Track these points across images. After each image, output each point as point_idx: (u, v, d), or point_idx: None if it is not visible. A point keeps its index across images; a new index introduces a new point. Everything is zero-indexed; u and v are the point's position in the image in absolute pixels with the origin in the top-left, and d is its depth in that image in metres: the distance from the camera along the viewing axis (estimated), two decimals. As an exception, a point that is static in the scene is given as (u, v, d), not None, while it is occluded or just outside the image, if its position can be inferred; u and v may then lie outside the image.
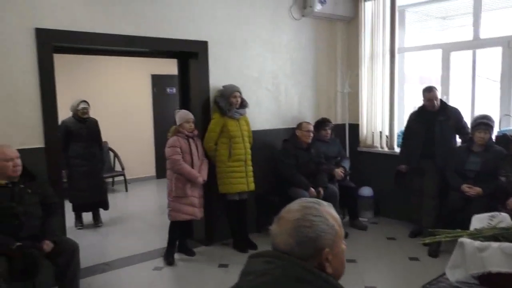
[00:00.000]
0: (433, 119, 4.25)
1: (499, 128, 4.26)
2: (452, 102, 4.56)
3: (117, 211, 5.85)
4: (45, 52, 3.34)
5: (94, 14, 3.56)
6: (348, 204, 4.99)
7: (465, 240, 1.96)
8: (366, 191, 5.22)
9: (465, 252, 1.92)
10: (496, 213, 2.20)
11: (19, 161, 2.93)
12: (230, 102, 4.10)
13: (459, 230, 2.13)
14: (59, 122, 3.89)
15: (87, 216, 5.29)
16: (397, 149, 4.96)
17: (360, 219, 5.03)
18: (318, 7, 4.86)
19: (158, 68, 7.81)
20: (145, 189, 7.53)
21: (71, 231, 4.63)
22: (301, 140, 4.51)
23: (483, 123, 3.87)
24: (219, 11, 4.33)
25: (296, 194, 4.01)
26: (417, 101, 4.54)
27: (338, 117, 5.58)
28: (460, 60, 4.76)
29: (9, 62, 3.20)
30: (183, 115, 3.99)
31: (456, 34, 4.82)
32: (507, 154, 3.81)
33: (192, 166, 3.93)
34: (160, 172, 7.71)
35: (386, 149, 5.16)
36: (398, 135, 5.04)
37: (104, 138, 5.49)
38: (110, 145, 7.25)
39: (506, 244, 1.85)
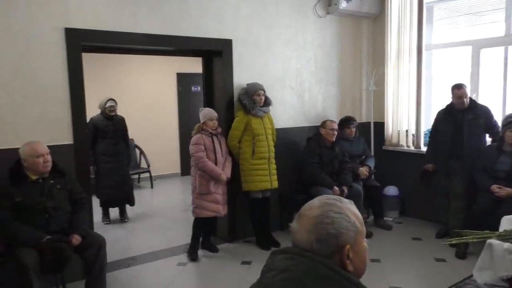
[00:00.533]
0: (462, 117, 4.15)
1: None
2: (481, 101, 4.43)
3: (143, 207, 5.95)
4: (74, 51, 3.43)
5: (121, 14, 3.62)
6: (372, 204, 4.94)
7: (494, 241, 1.91)
8: (391, 190, 5.14)
9: (494, 254, 1.87)
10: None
11: (49, 157, 3.01)
12: (254, 100, 4.11)
13: (488, 232, 2.08)
14: (87, 119, 3.99)
15: (114, 212, 5.41)
16: (423, 148, 4.86)
17: (385, 218, 4.96)
18: (343, 4, 4.81)
19: (183, 66, 7.90)
20: (170, 186, 7.64)
21: (98, 226, 4.75)
22: (325, 139, 4.48)
23: (515, 121, 3.76)
24: (244, 9, 4.34)
25: (320, 193, 3.99)
26: (445, 99, 4.43)
27: (363, 115, 5.51)
28: (491, 57, 4.62)
29: (40, 61, 3.30)
30: (206, 113, 4.02)
31: (486, 31, 4.68)
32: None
33: (216, 164, 3.96)
34: (185, 169, 7.81)
35: (412, 148, 5.06)
36: (425, 134, 4.94)
37: (130, 136, 5.59)
38: (136, 142, 7.39)
39: (537, 247, 1.80)
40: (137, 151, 7.48)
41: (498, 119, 4.24)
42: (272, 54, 4.60)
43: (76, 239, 2.97)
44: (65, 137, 3.45)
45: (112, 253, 3.73)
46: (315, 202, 1.22)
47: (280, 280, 1.12)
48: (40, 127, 3.33)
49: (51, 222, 2.95)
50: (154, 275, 3.71)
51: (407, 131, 5.08)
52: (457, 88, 4.13)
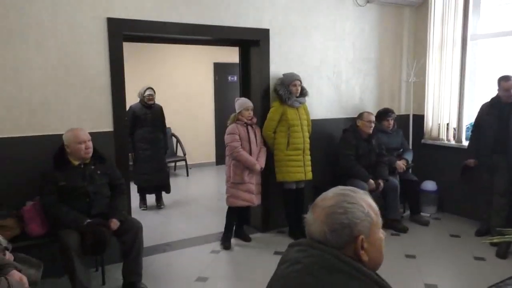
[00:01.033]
0: (508, 111, 3.96)
1: None
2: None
3: (178, 195, 6.08)
4: (115, 41, 3.52)
5: (160, 3, 3.68)
6: (409, 198, 4.83)
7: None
8: (429, 185, 5.00)
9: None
10: None
11: (90, 144, 3.12)
12: (290, 90, 4.09)
13: (533, 231, 1.99)
14: (127, 107, 4.09)
15: (151, 198, 5.56)
16: (465, 143, 4.69)
17: (422, 214, 4.84)
18: (384, -8, 4.68)
19: (220, 56, 7.94)
20: (205, 174, 7.75)
21: (136, 211, 4.89)
22: (362, 131, 4.40)
23: None
24: (281, -2, 4.30)
25: (355, 186, 3.92)
26: (490, 92, 4.24)
27: (402, 108, 5.37)
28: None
29: (83, 50, 3.41)
30: (242, 103, 4.04)
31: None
32: None
33: (250, 154, 3.98)
34: (220, 158, 7.89)
35: (453, 142, 4.89)
36: (467, 128, 4.76)
37: (167, 124, 5.70)
38: (173, 130, 7.53)
39: None
40: (174, 140, 7.62)
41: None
42: (310, 44, 4.54)
43: (114, 223, 3.08)
44: (106, 125, 3.56)
45: (148, 238, 3.84)
46: (329, 193, 1.22)
47: (291, 272, 1.13)
48: (82, 115, 3.45)
49: (91, 206, 3.07)
50: (188, 262, 3.79)
51: (448, 124, 4.92)
52: (505, 80, 3.94)
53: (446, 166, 4.92)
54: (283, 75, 4.21)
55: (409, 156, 4.84)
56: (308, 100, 4.31)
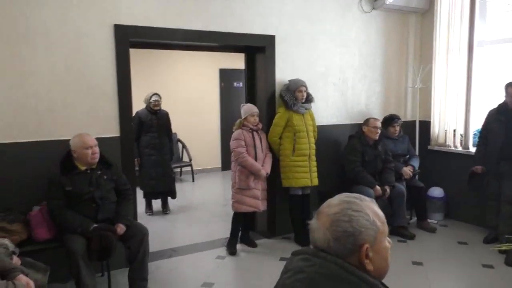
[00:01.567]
0: (515, 117, 3.94)
1: None
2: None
3: (184, 200, 6.09)
4: (122, 47, 3.55)
5: (167, 10, 3.71)
6: (416, 205, 4.80)
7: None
8: (436, 191, 4.96)
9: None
10: None
11: (97, 149, 3.14)
12: (296, 96, 4.09)
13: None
14: (133, 113, 4.11)
15: (157, 204, 5.57)
16: (472, 149, 4.66)
17: (429, 220, 4.80)
18: (390, -1, 4.68)
19: (226, 62, 7.98)
20: (211, 180, 7.76)
21: (142, 216, 4.91)
22: (368, 137, 4.39)
23: None
24: (287, 5, 4.32)
25: (361, 192, 3.90)
26: (497, 98, 4.22)
27: (408, 114, 5.36)
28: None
29: (90, 57, 3.44)
30: (248, 109, 4.05)
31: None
32: None
33: (256, 159, 3.99)
34: (225, 164, 7.91)
35: (460, 148, 4.86)
36: (474, 134, 4.73)
37: (173, 130, 5.72)
38: (179, 136, 7.56)
39: None
40: (180, 145, 7.65)
41: (556, 120, 3.99)
42: (315, 50, 4.55)
43: (121, 228, 3.09)
44: (112, 130, 3.58)
45: (154, 244, 3.84)
46: (335, 200, 1.20)
47: (294, 281, 1.12)
48: (89, 120, 3.47)
49: (98, 211, 3.07)
50: (193, 267, 3.79)
51: (455, 130, 4.89)
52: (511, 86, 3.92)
53: (453, 172, 4.88)
54: (289, 81, 4.22)
55: (416, 163, 4.81)
56: (313, 106, 4.31)
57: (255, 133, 4.05)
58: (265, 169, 4.03)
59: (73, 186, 3.01)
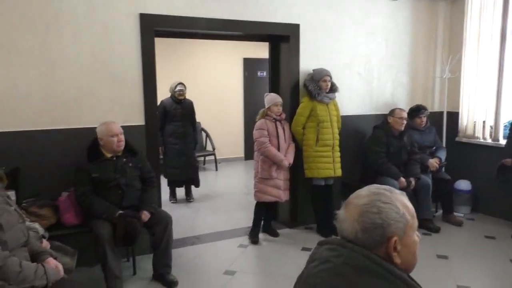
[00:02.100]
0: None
1: None
2: None
3: (207, 189, 6.15)
4: (147, 36, 3.58)
5: (192, -1, 3.71)
6: (442, 197, 4.70)
7: None
8: (463, 184, 4.85)
9: None
10: None
11: (122, 137, 3.19)
12: (320, 86, 4.05)
13: None
14: (158, 102, 4.16)
15: (180, 192, 5.64)
16: (502, 141, 4.52)
17: (455, 214, 4.70)
18: (419, -15, 4.55)
19: (250, 52, 7.96)
20: (234, 169, 7.80)
21: (166, 204, 4.97)
22: (393, 128, 4.31)
23: None
24: (313, -7, 4.26)
25: (385, 184, 3.86)
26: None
27: (435, 104, 5.22)
28: None
29: (116, 46, 3.48)
30: (271, 98, 4.03)
31: None
32: None
33: (279, 149, 3.98)
34: (248, 153, 7.93)
35: (489, 140, 4.73)
36: (505, 126, 4.59)
37: (197, 119, 5.76)
38: (203, 125, 7.61)
39: None
40: (203, 134, 7.70)
41: None
42: (340, 39, 4.48)
43: (145, 215, 3.15)
44: (138, 119, 3.63)
45: (177, 231, 3.90)
46: (364, 190, 1.18)
47: (320, 271, 1.11)
48: (115, 109, 3.53)
49: (123, 198, 3.14)
50: (216, 255, 3.83)
51: (484, 122, 4.75)
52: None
53: (481, 165, 4.76)
54: (313, 70, 4.17)
55: (442, 155, 4.71)
56: (338, 96, 4.26)
57: (278, 123, 4.03)
58: (288, 159, 4.01)
59: (99, 173, 3.08)
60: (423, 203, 4.36)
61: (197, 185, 5.63)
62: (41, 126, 3.30)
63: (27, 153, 3.25)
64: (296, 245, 4.01)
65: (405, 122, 4.31)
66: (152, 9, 3.55)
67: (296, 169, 4.20)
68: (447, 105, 5.05)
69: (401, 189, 4.02)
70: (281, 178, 4.04)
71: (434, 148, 4.74)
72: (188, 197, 5.62)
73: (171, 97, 5.37)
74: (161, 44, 5.00)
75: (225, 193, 6.02)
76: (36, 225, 2.62)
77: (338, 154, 4.19)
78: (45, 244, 2.45)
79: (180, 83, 5.37)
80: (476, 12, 4.69)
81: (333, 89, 4.16)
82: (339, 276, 1.07)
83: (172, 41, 6.29)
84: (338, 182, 4.34)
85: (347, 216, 1.15)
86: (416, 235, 1.16)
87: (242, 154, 8.47)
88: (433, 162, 4.54)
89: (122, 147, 3.20)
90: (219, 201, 5.65)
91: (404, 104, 4.84)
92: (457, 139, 5.02)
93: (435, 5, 5.05)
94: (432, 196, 4.48)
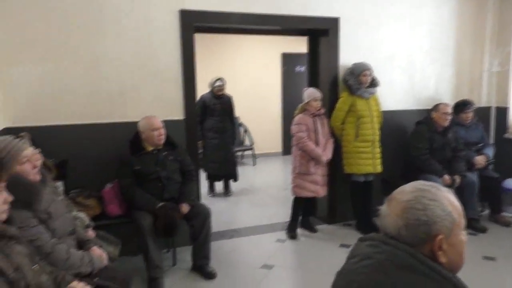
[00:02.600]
0: None
1: None
2: None
3: (245, 183, 6.19)
4: (187, 32, 3.63)
5: (231, -6, 3.73)
6: (489, 196, 4.49)
7: None
8: (513, 183, 4.62)
9: None
10: None
11: (163, 131, 3.27)
12: (360, 80, 3.97)
13: None
14: (198, 97, 4.23)
15: (219, 186, 5.72)
16: (556, 138, 4.27)
17: (504, 214, 4.49)
18: (466, -25, 4.35)
19: (288, 46, 7.92)
20: (271, 164, 7.81)
21: (204, 197, 5.06)
22: (437, 123, 4.17)
23: None
24: (353, -15, 4.17)
25: (428, 181, 3.74)
26: None
27: (483, 99, 4.99)
28: None
29: (157, 42, 3.57)
30: (310, 93, 3.99)
31: None
32: None
33: (317, 144, 3.94)
34: (286, 148, 7.90)
35: (541, 137, 4.48)
36: (559, 122, 4.33)
37: (236, 114, 5.80)
38: (241, 120, 7.66)
39: None
40: (242, 129, 7.75)
41: None
42: (382, 33, 4.37)
43: (185, 207, 3.21)
44: (178, 113, 3.71)
45: (216, 224, 3.95)
46: (408, 186, 1.15)
47: (361, 267, 1.09)
48: (156, 104, 3.62)
49: (164, 191, 3.22)
50: (254, 249, 3.86)
51: (536, 117, 4.51)
52: None
53: (532, 163, 4.52)
54: (353, 64, 4.09)
55: (490, 152, 4.50)
56: (379, 90, 4.16)
57: (317, 118, 3.99)
58: (326, 154, 3.97)
59: (141, 166, 3.17)
60: (468, 201, 4.18)
61: (235, 180, 5.68)
62: (87, 120, 3.44)
63: (74, 145, 3.40)
64: (334, 241, 3.97)
65: (449, 117, 4.15)
66: (191, 5, 3.61)
67: (335, 165, 4.15)
68: (495, 100, 4.82)
69: (445, 186, 3.89)
70: (319, 174, 4.00)
71: (481, 144, 4.54)
72: (227, 191, 5.68)
73: (210, 92, 5.44)
74: (200, 40, 5.07)
75: (263, 188, 6.05)
76: (82, 215, 2.73)
77: (379, 150, 4.10)
78: (91, 233, 2.55)
79: (219, 79, 5.43)
80: (529, 1, 4.44)
81: (373, 83, 4.06)
82: (381, 273, 1.05)
83: (212, 37, 6.37)
84: (378, 178, 4.25)
85: (390, 211, 1.13)
86: (463, 235, 1.12)
87: (280, 149, 8.47)
88: (480, 159, 4.35)
89: (163, 141, 3.28)
90: (257, 195, 5.68)
91: (448, 99, 4.66)
92: (506, 135, 4.78)
93: (483, -5, 4.82)
94: (479, 195, 4.30)
